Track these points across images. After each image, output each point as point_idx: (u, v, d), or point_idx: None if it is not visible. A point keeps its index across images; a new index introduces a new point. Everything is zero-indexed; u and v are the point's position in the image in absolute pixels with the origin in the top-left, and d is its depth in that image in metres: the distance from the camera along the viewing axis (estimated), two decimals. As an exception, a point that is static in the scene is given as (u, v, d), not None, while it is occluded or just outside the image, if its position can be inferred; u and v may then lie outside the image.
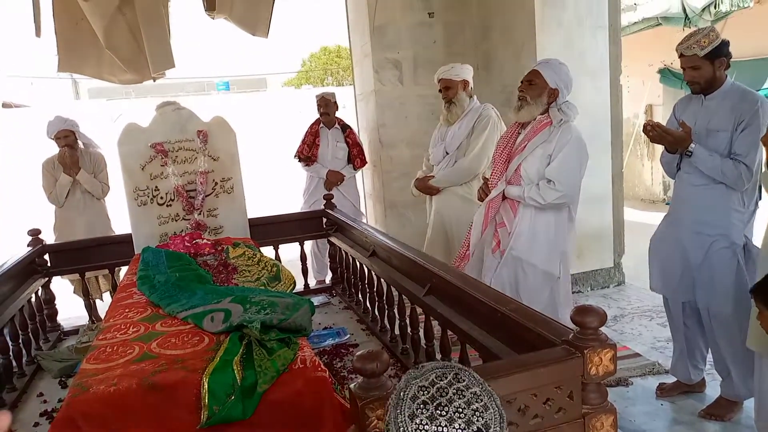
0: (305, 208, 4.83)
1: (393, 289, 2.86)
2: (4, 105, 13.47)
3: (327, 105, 4.87)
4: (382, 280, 3.01)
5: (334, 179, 4.85)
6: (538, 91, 2.86)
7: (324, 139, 4.91)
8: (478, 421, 0.90)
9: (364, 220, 5.03)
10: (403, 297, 2.72)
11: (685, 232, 2.77)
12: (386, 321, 3.02)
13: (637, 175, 9.17)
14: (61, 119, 4.32)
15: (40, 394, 2.69)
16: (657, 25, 7.62)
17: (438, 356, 2.44)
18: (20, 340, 2.97)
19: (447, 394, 0.92)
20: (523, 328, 1.67)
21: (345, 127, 4.99)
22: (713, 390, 2.95)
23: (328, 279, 4.59)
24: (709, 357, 2.97)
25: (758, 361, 2.37)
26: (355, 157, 4.94)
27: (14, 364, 2.83)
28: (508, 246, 2.94)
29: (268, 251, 3.63)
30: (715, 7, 6.81)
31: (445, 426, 0.88)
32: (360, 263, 3.35)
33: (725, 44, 2.59)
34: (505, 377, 1.39)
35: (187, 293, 2.21)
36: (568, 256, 3.02)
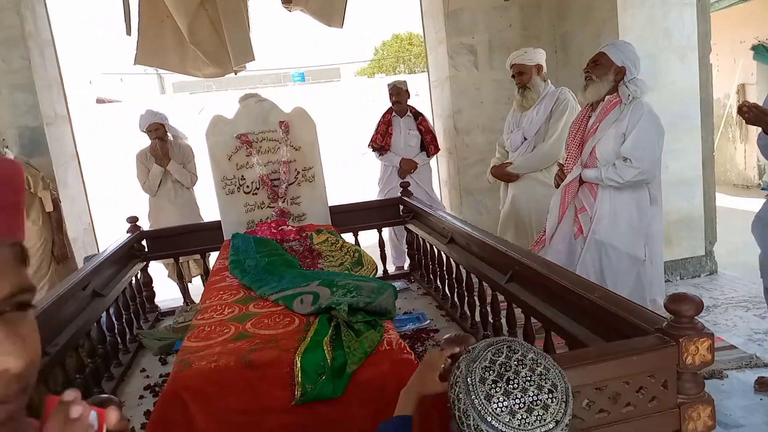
0: (381, 197, 4.89)
1: (472, 275, 2.86)
2: (98, 101, 14.37)
3: (399, 93, 4.89)
4: (461, 266, 3.01)
5: (407, 167, 4.88)
6: (604, 70, 2.85)
7: (397, 127, 4.94)
8: (546, 383, 0.94)
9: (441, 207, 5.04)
10: (483, 284, 2.72)
11: None
12: (466, 308, 3.02)
13: (728, 158, 8.65)
14: (152, 113, 4.56)
15: (143, 369, 2.89)
16: (750, -1, 7.14)
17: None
18: (123, 320, 3.20)
19: (511, 368, 0.96)
20: (613, 315, 1.64)
21: (417, 115, 5.00)
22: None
23: (406, 265, 4.64)
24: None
25: None
26: (429, 144, 4.94)
27: (119, 341, 3.05)
28: (590, 230, 2.90)
29: (347, 238, 3.71)
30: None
31: (521, 396, 0.93)
32: (438, 250, 3.37)
33: None
34: (594, 364, 1.38)
35: (276, 277, 2.31)
36: (654, 238, 2.93)
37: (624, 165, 2.77)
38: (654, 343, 1.42)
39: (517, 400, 0.93)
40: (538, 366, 0.97)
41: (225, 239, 3.35)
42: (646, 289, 2.93)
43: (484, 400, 0.94)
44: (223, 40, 4.75)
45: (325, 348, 1.71)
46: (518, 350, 1.00)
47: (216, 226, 3.59)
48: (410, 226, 3.85)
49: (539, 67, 3.67)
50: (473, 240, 2.78)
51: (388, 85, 5.03)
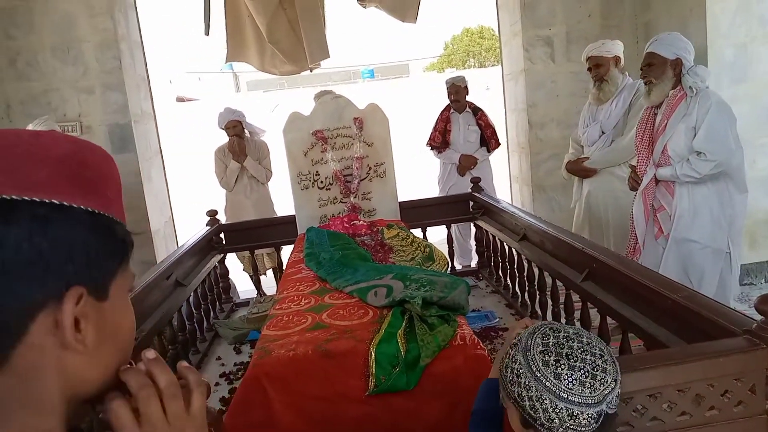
0: (441, 195, 4.87)
1: (545, 274, 2.82)
2: (178, 99, 15.05)
3: (457, 92, 4.87)
4: (533, 264, 2.97)
5: (467, 163, 4.84)
6: (661, 69, 2.79)
7: (455, 123, 4.91)
8: (596, 350, 1.04)
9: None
10: (557, 282, 2.67)
11: None
12: (537, 307, 2.98)
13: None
14: (230, 111, 4.74)
15: (218, 357, 3.02)
16: None
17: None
18: (201, 309, 3.35)
19: (564, 345, 1.05)
20: (697, 316, 1.58)
21: (476, 110, 4.95)
22: None
23: (472, 263, 4.61)
24: None
25: None
26: (489, 138, 4.90)
27: (197, 329, 3.20)
28: (671, 229, 2.82)
29: (416, 233, 3.73)
30: None
31: (583, 367, 1.02)
32: (509, 247, 3.33)
33: None
34: (677, 365, 1.34)
35: (350, 269, 2.37)
36: (737, 230, 2.82)
37: (698, 159, 2.70)
38: (742, 346, 1.36)
39: (582, 371, 1.01)
40: (582, 337, 1.06)
41: (299, 233, 3.44)
42: (730, 284, 2.82)
43: (554, 380, 1.01)
44: (300, 38, 4.88)
45: (399, 340, 1.74)
46: (560, 329, 1.09)
47: (290, 221, 3.69)
48: (480, 223, 3.82)
49: (617, 59, 3.57)
50: (548, 237, 2.73)
51: (447, 82, 5.00)
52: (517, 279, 3.28)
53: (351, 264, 2.44)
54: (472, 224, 4.17)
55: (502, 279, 3.59)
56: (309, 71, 5.50)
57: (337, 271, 2.37)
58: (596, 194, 3.70)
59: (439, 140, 4.92)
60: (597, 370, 1.02)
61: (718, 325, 1.50)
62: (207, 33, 5.01)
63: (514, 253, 3.26)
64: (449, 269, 3.93)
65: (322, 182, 3.59)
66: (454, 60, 25.19)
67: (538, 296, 2.97)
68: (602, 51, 3.54)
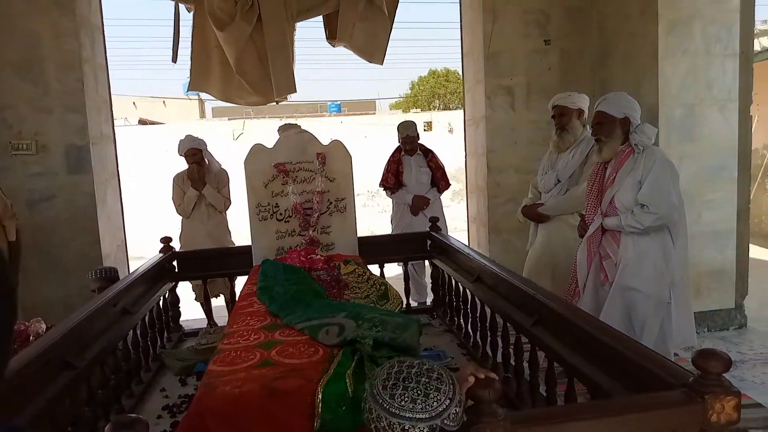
0: (394, 235, 4.93)
1: (497, 316, 2.85)
2: (141, 122, 14.85)
3: (412, 142, 5.03)
4: (485, 306, 3.01)
5: (420, 204, 4.97)
6: (610, 127, 2.93)
7: (407, 165, 5.05)
8: (433, 374, 1.19)
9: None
10: (508, 325, 2.71)
11: None
12: (488, 348, 3.00)
13: (765, 210, 8.48)
14: (191, 138, 4.71)
15: (163, 389, 2.92)
16: (795, 51, 7.08)
17: (542, 388, 2.40)
18: (148, 338, 3.25)
19: (404, 371, 1.20)
20: (639, 367, 1.62)
21: (427, 152, 5.11)
22: None
23: (428, 300, 4.63)
24: None
25: None
26: (439, 180, 5.06)
27: (142, 359, 3.10)
28: (616, 277, 2.92)
29: (373, 269, 3.73)
30: None
31: (416, 387, 1.16)
32: (463, 287, 3.37)
33: None
34: (617, 416, 1.37)
35: (303, 305, 2.35)
36: (679, 281, 2.92)
37: (641, 212, 2.83)
38: (680, 399, 1.40)
39: (414, 390, 1.15)
40: (424, 365, 1.21)
41: (255, 264, 3.41)
42: (673, 335, 2.91)
43: (389, 400, 1.15)
44: (267, 71, 4.92)
45: (347, 380, 1.73)
46: (406, 361, 1.24)
47: (246, 251, 3.65)
48: (437, 262, 3.85)
49: (580, 112, 3.71)
50: (501, 280, 2.78)
51: (399, 129, 5.11)
52: (470, 319, 3.31)
53: (304, 300, 2.42)
54: (427, 262, 4.20)
55: (456, 318, 3.61)
56: (275, 103, 5.54)
57: (289, 306, 2.35)
58: (548, 240, 3.79)
59: (393, 181, 5.04)
60: (430, 389, 1.15)
61: (658, 377, 1.54)
62: (174, 60, 5.00)
63: (468, 293, 3.29)
64: (402, 307, 3.97)
65: (281, 214, 3.58)
66: (419, 100, 25.68)
67: (489, 337, 3.00)
68: (567, 102, 3.68)
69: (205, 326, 3.90)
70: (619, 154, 2.94)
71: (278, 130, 4.17)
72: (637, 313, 2.88)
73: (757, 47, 7.17)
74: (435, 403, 1.14)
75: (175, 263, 3.78)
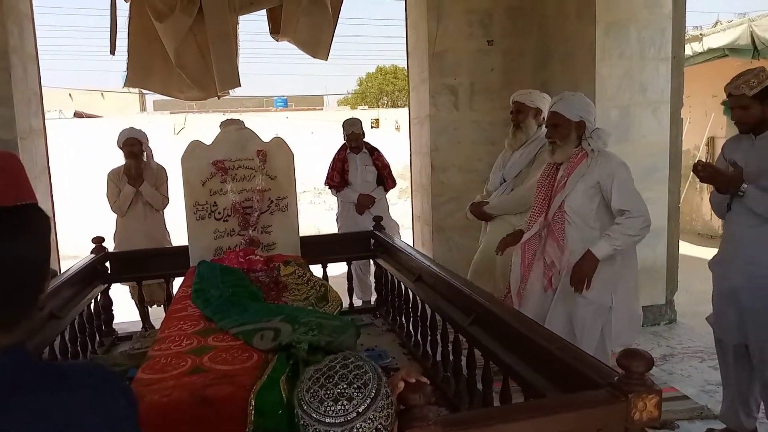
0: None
1: (437, 315, 2.87)
2: (77, 114, 14.25)
3: (357, 139, 4.98)
4: (426, 305, 3.02)
5: (365, 202, 4.93)
6: (566, 131, 2.83)
7: (353, 163, 5.01)
8: (357, 381, 1.15)
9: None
10: (447, 324, 2.73)
11: (736, 274, 2.69)
12: (428, 347, 3.03)
13: (695, 208, 8.88)
14: (133, 129, 4.56)
15: (94, 396, 2.80)
16: (723, 56, 7.41)
17: (479, 386, 2.44)
18: (78, 343, 3.12)
19: (334, 368, 1.18)
20: (569, 367, 1.66)
21: (372, 150, 5.08)
22: (768, 440, 2.82)
23: (372, 299, 4.63)
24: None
25: None
26: (386, 178, 5.03)
27: (73, 365, 2.97)
28: (560, 283, 2.89)
29: (316, 269, 3.70)
30: (787, 40, 6.59)
31: (332, 389, 1.14)
32: (405, 287, 3.38)
33: None
34: (547, 416, 1.39)
35: (239, 309, 2.29)
36: (624, 287, 2.93)
37: (627, 219, 2.73)
38: (604, 398, 1.44)
39: (327, 391, 1.14)
40: (358, 369, 1.18)
41: (191, 266, 3.31)
42: (614, 339, 2.93)
43: (305, 392, 1.16)
44: (209, 65, 4.79)
45: (282, 386, 1.70)
46: (350, 357, 1.22)
47: (183, 251, 3.55)
48: (380, 261, 3.85)
49: (538, 111, 3.63)
50: (440, 280, 2.80)
51: (344, 126, 5.05)
52: (412, 319, 3.32)
53: (240, 303, 2.37)
54: (372, 261, 4.20)
55: (398, 318, 3.62)
56: (217, 98, 5.41)
57: (225, 310, 2.29)
58: (493, 239, 3.81)
59: (338, 179, 4.97)
60: (342, 397, 1.13)
61: (585, 376, 1.58)
62: (113, 52, 4.81)
63: (410, 293, 3.31)
64: (345, 306, 3.95)
65: (219, 213, 3.49)
66: (367, 97, 25.67)
67: (429, 336, 3.02)
68: (526, 99, 3.62)
69: (140, 329, 3.77)
70: (572, 158, 2.86)
71: (220, 126, 4.08)
72: (578, 318, 2.84)
73: (689, 52, 7.49)
74: (341, 411, 1.12)
75: (108, 264, 3.64)
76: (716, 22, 7.63)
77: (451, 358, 2.71)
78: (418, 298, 3.15)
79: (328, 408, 1.12)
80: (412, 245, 5.70)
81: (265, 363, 1.85)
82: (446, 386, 2.75)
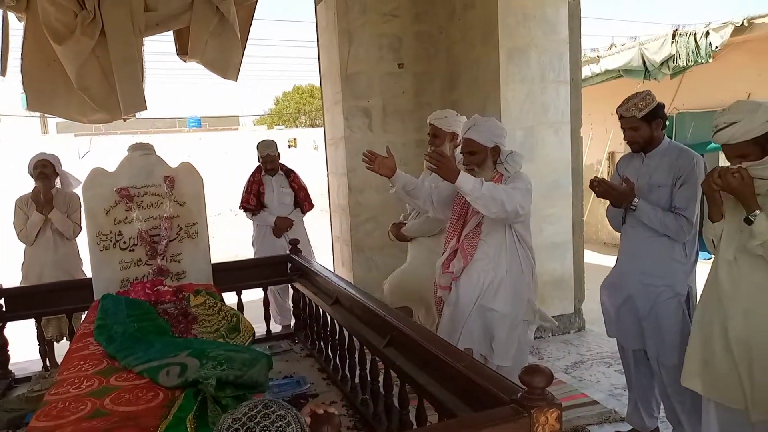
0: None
1: (354, 338, 2.87)
2: (-31, 138, 13.26)
3: (272, 161, 4.92)
4: (344, 329, 3.02)
5: (283, 225, 4.88)
6: (482, 156, 2.88)
7: (269, 186, 4.95)
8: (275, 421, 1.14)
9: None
10: (364, 347, 2.74)
11: (632, 283, 2.88)
12: (347, 370, 3.02)
13: (600, 219, 9.40)
14: (46, 153, 4.38)
15: (-12, 445, 2.60)
16: (619, 76, 7.95)
17: (396, 408, 2.45)
18: (-31, 389, 2.88)
19: (256, 418, 1.14)
20: (476, 385, 1.71)
21: (288, 172, 5.05)
22: (668, 439, 3.00)
23: (292, 323, 4.56)
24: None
25: (705, 407, 2.45)
26: (303, 200, 5.00)
27: (-38, 413, 2.73)
28: (474, 297, 2.92)
29: (230, 296, 3.61)
30: (673, 62, 7.14)
31: None
32: (323, 311, 3.36)
33: (661, 106, 2.77)
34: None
35: (144, 345, 2.20)
36: (531, 300, 3.02)
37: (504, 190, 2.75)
38: (508, 414, 1.49)
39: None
40: (281, 420, 1.16)
41: (95, 300, 3.14)
42: (527, 347, 3.05)
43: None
44: (113, 87, 4.60)
45: (188, 426, 1.63)
46: (271, 407, 1.18)
47: (87, 284, 3.36)
48: (297, 285, 3.81)
49: (453, 135, 3.58)
50: (356, 302, 2.81)
51: (258, 148, 4.97)
52: (330, 343, 3.30)
53: (146, 339, 2.27)
54: (290, 285, 4.14)
55: (317, 342, 3.59)
56: (123, 120, 5.20)
57: (129, 347, 2.19)
58: (412, 260, 3.86)
59: (254, 202, 4.89)
60: None
61: (491, 393, 1.63)
62: (3, 74, 4.52)
63: (328, 316, 3.29)
64: (262, 332, 3.87)
65: (125, 243, 3.34)
66: (284, 116, 25.46)
67: (348, 360, 3.01)
68: (442, 124, 3.55)
69: (40, 370, 3.52)
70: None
71: (128, 149, 3.92)
72: (495, 331, 2.89)
73: (588, 73, 7.98)
74: None
75: (2, 301, 3.39)
76: (611, 45, 8.17)
77: (369, 380, 2.72)
78: (335, 322, 3.14)
79: None
80: (332, 266, 5.69)
81: (171, 402, 1.78)
82: (365, 409, 2.75)
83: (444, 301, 3.05)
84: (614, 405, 3.50)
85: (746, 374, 2.24)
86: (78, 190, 4.50)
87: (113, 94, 4.65)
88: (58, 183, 4.40)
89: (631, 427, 3.13)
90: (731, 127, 2.17)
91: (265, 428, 1.11)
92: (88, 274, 4.23)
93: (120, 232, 3.32)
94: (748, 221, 2.16)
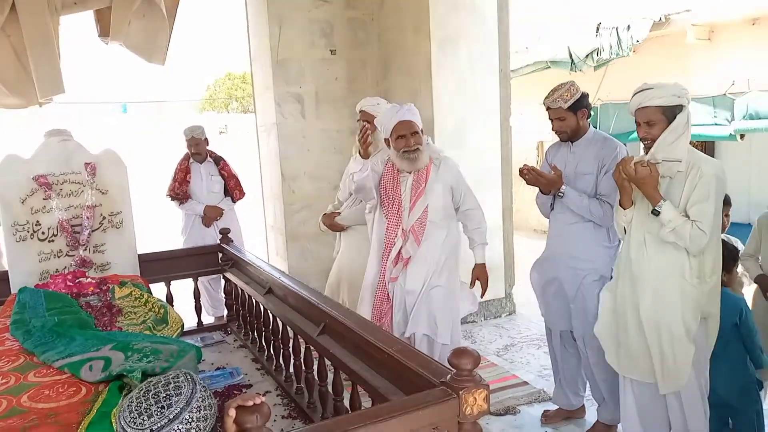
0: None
1: (288, 328, 2.85)
2: None
3: (198, 145, 4.76)
4: (277, 318, 2.99)
5: (212, 214, 4.76)
6: (421, 138, 2.98)
7: (196, 174, 4.80)
8: (165, 401, 1.27)
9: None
10: (298, 336, 2.72)
11: (560, 267, 3.00)
12: (281, 360, 2.99)
13: (530, 206, 9.65)
14: None
15: None
16: (547, 68, 8.20)
17: (330, 396, 2.46)
18: None
19: (158, 386, 1.30)
20: (407, 368, 1.73)
21: (218, 160, 4.91)
22: (593, 415, 3.16)
23: (225, 315, 4.48)
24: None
25: (622, 384, 2.61)
26: (233, 189, 4.87)
27: None
28: (425, 282, 3.03)
29: (159, 288, 3.50)
30: (597, 55, 7.44)
31: (142, 404, 1.26)
32: (256, 301, 3.31)
33: (585, 96, 2.90)
34: (386, 421, 1.44)
35: (65, 339, 2.10)
36: (455, 270, 3.17)
37: (473, 217, 3.15)
38: (438, 396, 1.52)
39: (136, 405, 1.26)
40: (176, 390, 1.30)
41: (11, 293, 2.97)
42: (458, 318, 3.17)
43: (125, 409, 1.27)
44: (27, 69, 4.33)
45: (113, 420, 1.58)
46: (180, 377, 1.33)
47: (3, 278, 3.17)
48: (229, 275, 3.74)
49: None
50: (289, 291, 2.78)
51: (185, 133, 4.83)
52: (264, 333, 3.26)
53: (67, 333, 2.16)
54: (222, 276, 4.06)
55: (250, 332, 3.54)
56: (39, 106, 4.91)
57: (49, 341, 2.09)
58: (347, 250, 3.86)
59: (179, 190, 4.73)
60: (145, 411, 1.24)
61: (421, 376, 1.66)
62: None
63: (261, 306, 3.25)
64: (193, 325, 3.78)
65: (44, 233, 3.17)
66: (216, 103, 24.78)
67: (282, 350, 2.98)
68: (374, 110, 3.50)
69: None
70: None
71: (44, 135, 3.71)
72: (436, 306, 3.00)
73: (518, 64, 8.18)
74: (140, 424, 1.23)
75: None
76: (538, 37, 8.40)
77: (304, 369, 2.71)
78: (269, 312, 3.11)
79: (132, 419, 1.24)
80: (266, 256, 5.61)
81: (95, 396, 1.72)
82: (300, 398, 2.74)
83: (389, 292, 3.12)
84: (543, 385, 3.64)
85: (656, 350, 2.40)
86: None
87: (28, 78, 4.39)
88: None
89: (558, 407, 3.27)
90: (643, 92, 2.42)
91: (156, 393, 1.27)
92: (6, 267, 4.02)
93: (38, 221, 3.15)
94: (656, 212, 2.32)
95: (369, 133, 3.34)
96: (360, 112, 3.62)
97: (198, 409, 1.27)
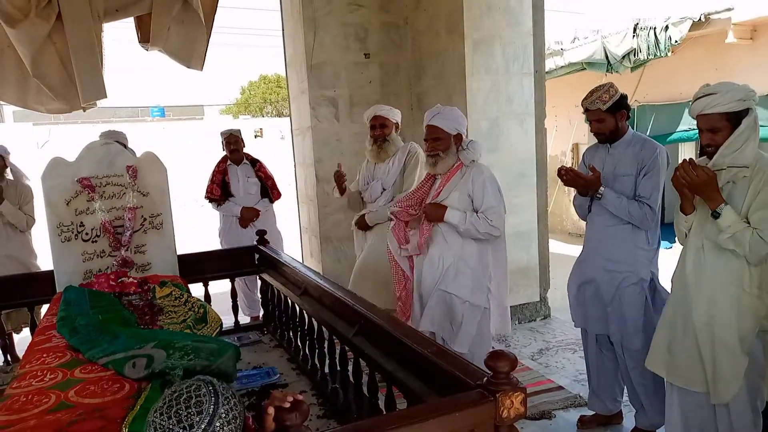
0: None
1: (324, 328, 2.88)
2: None
3: (237, 142, 4.87)
4: (312, 319, 3.02)
5: (249, 216, 4.84)
6: (446, 143, 3.02)
7: (234, 176, 4.90)
8: (193, 409, 1.24)
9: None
10: (333, 337, 2.75)
11: (597, 270, 2.95)
12: (316, 360, 3.03)
13: (564, 209, 9.58)
14: None
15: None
16: (582, 69, 8.09)
17: (366, 396, 2.48)
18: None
19: (187, 393, 1.27)
20: (443, 370, 1.73)
21: (254, 162, 5.00)
22: (631, 421, 3.10)
23: (261, 315, 4.54)
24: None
25: (669, 391, 2.54)
26: (271, 189, 4.96)
27: None
28: (435, 281, 3.04)
29: (197, 288, 3.58)
30: (634, 55, 7.30)
31: (174, 415, 1.23)
32: (291, 301, 3.36)
33: (624, 97, 2.85)
34: (422, 422, 1.44)
35: (109, 337, 2.16)
36: (496, 287, 3.11)
37: (481, 220, 2.94)
38: (474, 399, 1.52)
39: (159, 423, 1.23)
40: (197, 407, 1.25)
41: (57, 292, 3.08)
42: (485, 336, 3.11)
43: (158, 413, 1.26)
44: (71, 75, 4.47)
45: None
46: (201, 389, 1.28)
47: (49, 276, 3.28)
48: (265, 276, 3.80)
49: (397, 125, 3.89)
50: (324, 292, 2.81)
51: (222, 133, 4.96)
52: (299, 333, 3.30)
53: (110, 330, 2.23)
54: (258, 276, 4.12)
55: (286, 333, 3.59)
56: (82, 110, 5.07)
57: (93, 339, 2.15)
58: (375, 248, 3.90)
59: (219, 193, 4.83)
60: (191, 414, 1.22)
61: (458, 378, 1.66)
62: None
63: (296, 307, 3.29)
64: (230, 325, 3.85)
65: (87, 234, 3.27)
66: (250, 106, 25.11)
67: (317, 350, 3.02)
68: (389, 114, 3.82)
69: (1, 364, 3.44)
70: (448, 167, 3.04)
71: (100, 136, 3.87)
72: (456, 315, 3.01)
73: (552, 65, 8.10)
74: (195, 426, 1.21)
75: (-42, 295, 3.29)
76: (574, 38, 8.29)
77: (338, 369, 2.73)
78: (304, 312, 3.14)
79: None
80: (300, 257, 5.68)
81: (138, 393, 1.77)
82: (335, 398, 2.77)
83: (409, 280, 3.20)
84: (579, 390, 3.59)
85: (709, 359, 2.31)
86: (30, 182, 4.40)
87: (71, 82, 4.53)
88: (9, 175, 4.29)
89: (594, 412, 3.22)
90: (706, 98, 2.26)
91: (179, 413, 1.23)
92: (42, 266, 4.17)
93: (82, 223, 3.26)
94: (716, 215, 2.22)
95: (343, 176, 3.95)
96: (375, 117, 3.82)
97: (221, 426, 1.25)
